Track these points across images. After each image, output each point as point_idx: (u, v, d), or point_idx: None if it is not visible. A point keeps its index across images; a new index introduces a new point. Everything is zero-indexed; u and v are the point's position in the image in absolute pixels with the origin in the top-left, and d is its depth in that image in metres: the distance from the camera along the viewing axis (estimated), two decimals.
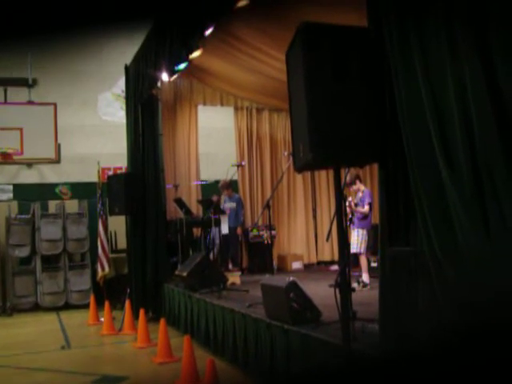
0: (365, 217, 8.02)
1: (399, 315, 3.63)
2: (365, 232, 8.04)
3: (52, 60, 12.38)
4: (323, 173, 12.10)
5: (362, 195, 8.08)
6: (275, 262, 11.36)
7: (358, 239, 8.00)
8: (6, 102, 12.03)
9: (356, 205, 7.98)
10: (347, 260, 4.43)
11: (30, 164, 12.23)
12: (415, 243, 3.55)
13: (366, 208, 7.97)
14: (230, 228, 10.13)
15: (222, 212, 9.41)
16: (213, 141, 12.70)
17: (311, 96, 3.60)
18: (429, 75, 3.30)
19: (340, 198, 4.10)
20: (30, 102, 12.20)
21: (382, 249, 3.85)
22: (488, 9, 2.92)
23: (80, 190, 12.30)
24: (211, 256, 9.36)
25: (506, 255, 2.79)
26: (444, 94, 3.19)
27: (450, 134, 3.16)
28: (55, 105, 12.19)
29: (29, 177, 12.26)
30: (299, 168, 4.07)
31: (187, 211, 9.76)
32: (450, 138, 3.16)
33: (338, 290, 4.05)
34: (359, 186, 8.21)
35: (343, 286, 3.99)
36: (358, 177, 8.25)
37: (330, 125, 3.62)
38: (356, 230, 8.02)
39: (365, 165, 4.36)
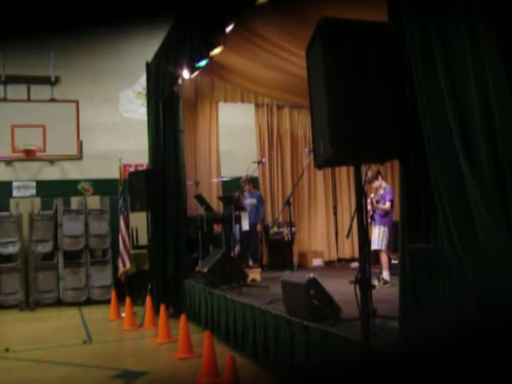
0: (386, 214, 7.97)
1: (419, 312, 3.61)
2: (386, 229, 7.99)
3: (74, 58, 12.48)
4: (344, 169, 12.06)
5: (384, 192, 8.02)
6: (295, 259, 11.35)
7: (379, 236, 7.95)
8: (29, 100, 12.19)
9: (377, 202, 7.94)
10: (367, 257, 4.41)
11: (52, 161, 12.37)
12: (436, 240, 3.53)
13: (388, 205, 7.92)
14: (249, 224, 10.14)
15: (243, 208, 9.42)
16: (233, 138, 12.70)
17: (331, 92, 3.59)
18: (450, 71, 3.27)
19: (360, 194, 4.08)
20: (53, 100, 12.33)
21: (403, 245, 3.83)
22: (509, 3, 2.89)
23: (102, 186, 12.41)
24: (234, 253, 9.39)
25: None
26: (465, 89, 3.17)
27: (471, 130, 3.14)
28: (77, 102, 12.30)
29: (51, 173, 12.40)
30: (319, 165, 4.07)
31: (208, 208, 9.79)
32: (472, 134, 3.13)
33: (357, 287, 4.03)
34: (381, 182, 8.16)
35: (363, 282, 3.98)
36: (379, 173, 8.19)
37: (351, 121, 3.60)
38: (377, 226, 7.98)
39: (385, 161, 4.35)
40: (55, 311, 10.91)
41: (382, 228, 7.96)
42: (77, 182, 12.52)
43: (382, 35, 3.80)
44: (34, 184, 12.29)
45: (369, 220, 7.81)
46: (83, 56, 12.51)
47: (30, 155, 11.98)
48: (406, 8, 3.63)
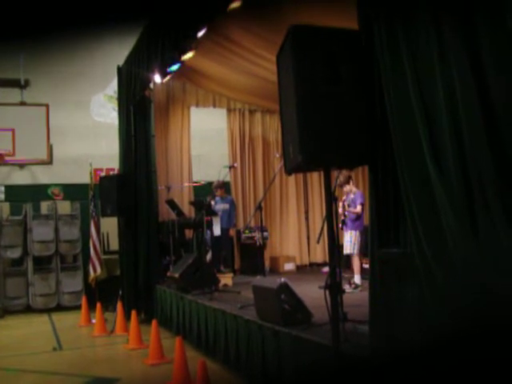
0: (357, 218, 8.03)
1: (389, 316, 3.65)
2: (357, 233, 8.04)
3: (45, 61, 12.35)
4: (315, 174, 12.10)
5: (354, 196, 8.09)
6: (267, 264, 11.36)
7: (351, 241, 8.00)
8: None
9: (348, 206, 8.00)
10: (338, 261, 4.44)
11: (22, 165, 12.20)
12: (405, 245, 3.57)
13: (359, 208, 7.97)
14: (222, 229, 10.13)
15: (214, 213, 9.41)
16: (205, 142, 12.69)
17: (301, 98, 3.61)
18: (418, 79, 3.32)
19: (330, 199, 4.10)
20: (23, 103, 12.18)
21: (372, 250, 3.87)
22: (476, 12, 2.94)
23: (72, 191, 12.27)
24: (207, 257, 9.36)
25: (493, 259, 2.81)
26: (433, 97, 3.21)
27: (439, 139, 3.18)
28: (47, 106, 12.18)
29: (21, 178, 12.23)
30: (289, 170, 4.08)
31: (179, 212, 9.75)
32: (440, 142, 3.17)
33: (327, 292, 4.05)
34: (351, 187, 8.21)
35: (333, 287, 4.00)
36: (350, 178, 8.25)
37: (320, 127, 3.62)
38: (349, 232, 8.03)
39: (355, 167, 4.38)
40: (25, 318, 10.75)
41: (354, 232, 8.02)
42: (47, 186, 12.36)
43: (353, 42, 3.83)
44: (3, 189, 12.10)
45: (340, 225, 7.87)
46: (54, 59, 12.38)
47: None
48: (375, 16, 3.67)
